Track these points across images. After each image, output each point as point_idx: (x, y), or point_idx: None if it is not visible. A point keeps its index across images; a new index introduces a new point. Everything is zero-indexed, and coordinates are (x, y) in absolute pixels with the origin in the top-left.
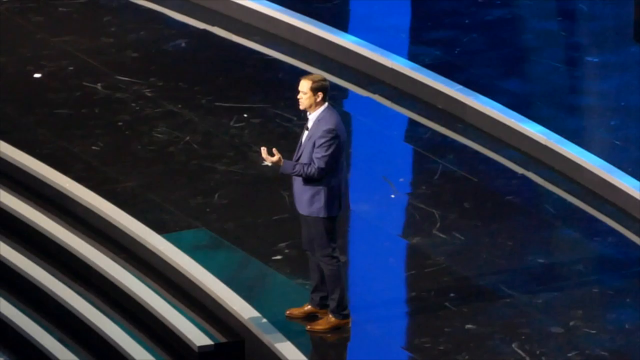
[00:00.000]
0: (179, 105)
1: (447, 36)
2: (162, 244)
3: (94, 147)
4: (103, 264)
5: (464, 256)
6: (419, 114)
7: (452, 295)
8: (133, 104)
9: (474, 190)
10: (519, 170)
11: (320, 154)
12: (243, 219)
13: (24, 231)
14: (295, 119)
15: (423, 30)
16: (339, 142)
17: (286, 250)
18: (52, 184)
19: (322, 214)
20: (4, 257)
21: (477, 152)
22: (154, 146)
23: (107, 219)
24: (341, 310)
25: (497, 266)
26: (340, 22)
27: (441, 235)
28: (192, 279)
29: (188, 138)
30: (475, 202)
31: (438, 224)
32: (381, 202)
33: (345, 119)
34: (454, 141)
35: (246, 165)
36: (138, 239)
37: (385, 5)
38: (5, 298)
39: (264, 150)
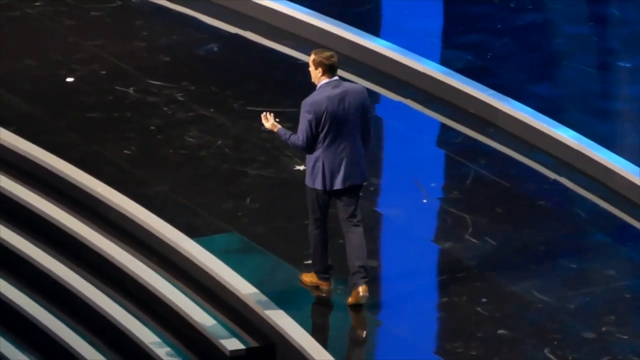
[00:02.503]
0: (211, 110)
1: (478, 41)
2: (193, 248)
3: (126, 151)
4: (135, 267)
5: (496, 261)
6: (450, 118)
7: (483, 300)
8: (165, 108)
9: (506, 195)
10: (551, 175)
11: (299, 126)
12: (274, 223)
13: (56, 234)
14: None
15: (455, 34)
16: (314, 118)
17: None
18: (84, 188)
19: (307, 182)
20: (35, 260)
21: (508, 157)
22: (186, 150)
23: (139, 222)
24: (317, 271)
25: (529, 271)
26: (372, 27)
27: (473, 240)
28: (223, 282)
29: (220, 142)
30: (507, 207)
31: (470, 229)
32: (413, 206)
33: (376, 123)
34: (485, 146)
35: (277, 170)
36: (169, 243)
37: (417, 9)
38: (36, 301)
39: (264, 115)
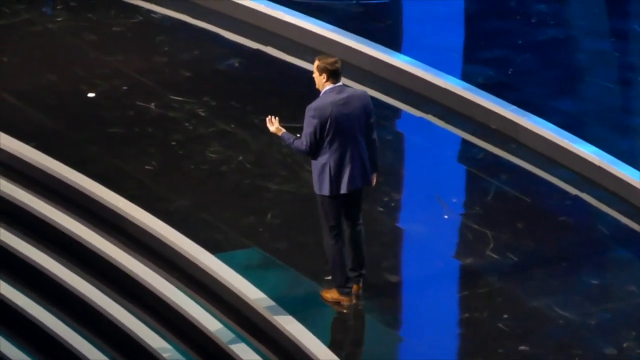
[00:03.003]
0: (232, 125)
1: (500, 56)
2: (214, 263)
3: (147, 166)
4: (155, 282)
5: (517, 277)
6: (472, 134)
7: (505, 316)
8: (186, 123)
9: (527, 211)
10: (572, 190)
11: (303, 131)
12: (295, 239)
13: (77, 249)
14: None
15: (476, 50)
16: (318, 123)
17: None
18: (105, 203)
19: (315, 190)
20: (56, 275)
21: (530, 173)
22: (207, 165)
23: (160, 237)
24: (338, 285)
25: (551, 287)
26: (393, 42)
27: (494, 255)
28: (244, 298)
29: (241, 157)
30: (529, 223)
31: (491, 245)
32: (434, 222)
33: (398, 138)
34: (507, 161)
35: (298, 185)
36: (190, 258)
37: (438, 25)
38: (59, 317)
39: (269, 119)
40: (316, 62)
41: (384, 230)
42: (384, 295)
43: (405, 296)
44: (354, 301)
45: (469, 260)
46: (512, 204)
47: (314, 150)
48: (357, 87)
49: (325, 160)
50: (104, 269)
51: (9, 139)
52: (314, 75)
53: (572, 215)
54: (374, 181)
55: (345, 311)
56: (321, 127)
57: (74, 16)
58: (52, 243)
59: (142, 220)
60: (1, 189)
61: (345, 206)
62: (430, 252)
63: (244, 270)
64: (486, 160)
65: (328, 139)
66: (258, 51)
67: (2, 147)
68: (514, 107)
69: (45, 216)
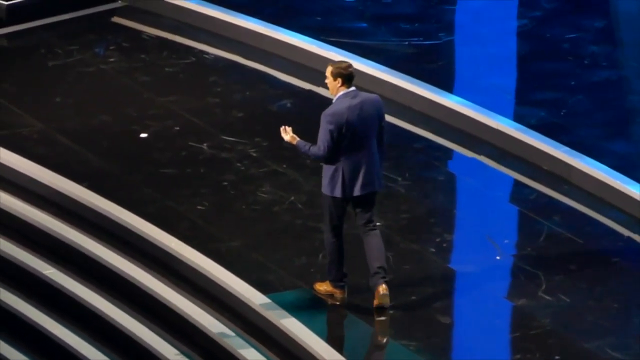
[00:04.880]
0: (284, 165)
1: (552, 97)
2: (266, 304)
3: (199, 207)
4: (207, 322)
5: (570, 318)
6: (524, 174)
7: (557, 357)
8: (238, 164)
9: (580, 252)
10: (625, 232)
11: (318, 137)
12: (347, 280)
13: (129, 289)
14: (399, 179)
15: (529, 91)
16: (335, 127)
17: (391, 311)
18: (157, 243)
19: (323, 190)
20: (109, 316)
21: (582, 214)
22: (259, 206)
23: (212, 277)
24: (332, 280)
25: (603, 329)
26: (445, 83)
27: (546, 297)
28: (296, 339)
29: (292, 198)
30: (581, 264)
31: (543, 286)
32: (486, 263)
33: (450, 179)
34: (559, 202)
35: (349, 225)
36: (242, 299)
37: (491, 66)
38: (110, 358)
39: (282, 128)
40: (329, 68)
41: (436, 271)
42: (436, 336)
43: (456, 337)
44: (346, 295)
45: (521, 302)
46: (564, 245)
47: (330, 154)
48: (409, 127)
49: (338, 163)
50: (157, 309)
51: (62, 180)
52: (326, 81)
53: (624, 256)
54: None
55: (395, 353)
56: (338, 132)
57: (127, 57)
58: (105, 283)
59: (194, 261)
60: (54, 229)
61: (358, 209)
62: (482, 293)
63: (295, 311)
64: (538, 202)
65: (343, 143)
66: (310, 92)
67: (56, 187)
68: (567, 148)
69: (98, 256)
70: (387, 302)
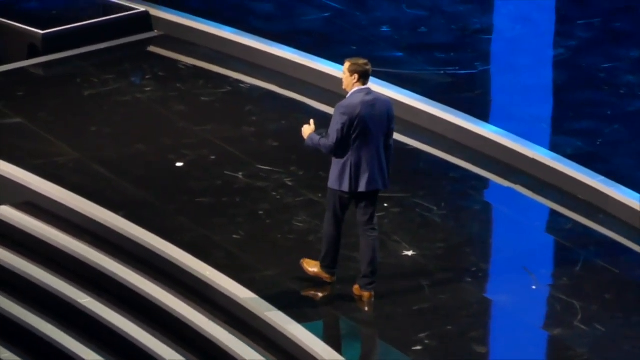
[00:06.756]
0: (319, 195)
1: (588, 127)
2: (301, 333)
3: (234, 236)
4: (242, 351)
5: (606, 348)
6: (560, 204)
7: None
8: (273, 193)
9: (616, 282)
10: None
11: (330, 127)
12: (383, 309)
13: (164, 319)
14: (435, 208)
15: (564, 120)
16: (348, 120)
17: (426, 341)
18: (192, 272)
19: (332, 186)
20: (147, 347)
21: (618, 244)
22: (294, 235)
23: (247, 307)
24: (324, 265)
25: (639, 358)
26: (481, 112)
27: (582, 326)
28: None
29: None
30: (617, 294)
31: (579, 316)
32: (522, 292)
33: (485, 208)
34: (595, 232)
35: (385, 254)
36: (277, 328)
37: (526, 95)
38: None
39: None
40: (347, 64)
41: (472, 300)
42: None
43: None
44: (335, 279)
45: (556, 331)
46: (600, 275)
47: (339, 146)
48: (445, 157)
49: (347, 158)
50: (192, 337)
51: (98, 209)
52: (343, 76)
53: None
54: None
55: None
56: (350, 125)
57: (163, 86)
58: (140, 312)
59: (229, 290)
60: (90, 257)
61: (361, 205)
62: (517, 323)
63: (330, 340)
64: (574, 231)
65: (353, 137)
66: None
67: (91, 216)
68: (602, 177)
69: (134, 285)
70: (364, 300)
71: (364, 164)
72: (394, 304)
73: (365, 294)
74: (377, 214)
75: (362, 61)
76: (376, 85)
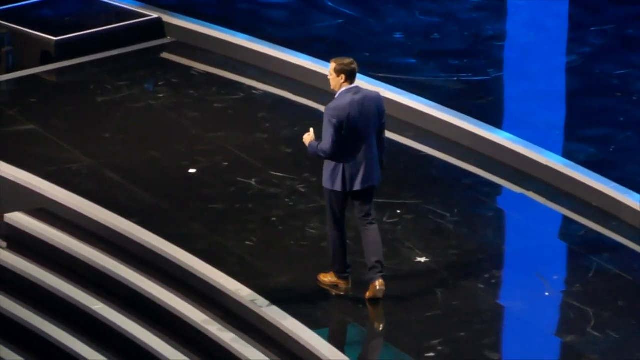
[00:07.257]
0: None
1: (601, 134)
2: (314, 340)
3: (247, 242)
4: (257, 359)
5: (619, 355)
6: (573, 211)
7: None
8: (286, 200)
9: (629, 289)
10: None
11: (322, 133)
12: (395, 315)
13: (178, 325)
14: (448, 215)
15: (578, 127)
16: (337, 123)
17: (439, 348)
18: (205, 279)
19: (326, 185)
20: (156, 351)
21: (632, 250)
22: (307, 241)
23: (260, 314)
24: (336, 271)
25: None
26: (494, 119)
27: (595, 333)
28: None
29: None
30: (630, 301)
31: (592, 322)
32: (535, 299)
33: (498, 215)
34: (608, 239)
35: (399, 261)
36: (290, 334)
37: (539, 102)
38: None
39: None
40: (332, 65)
41: (485, 307)
42: None
43: None
44: (350, 285)
45: (569, 338)
46: (613, 281)
47: (336, 149)
48: (458, 163)
49: (338, 159)
50: (205, 345)
51: (111, 215)
52: (329, 77)
53: None
54: None
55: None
56: (340, 127)
57: (176, 93)
58: (153, 318)
59: (242, 296)
60: (103, 264)
61: (357, 202)
62: (530, 330)
63: (344, 347)
64: (587, 238)
65: (344, 138)
66: None
67: (105, 223)
68: (616, 184)
69: (147, 292)
70: (380, 295)
71: (356, 163)
72: (407, 311)
73: (378, 282)
74: (378, 213)
75: (347, 60)
76: (389, 92)
